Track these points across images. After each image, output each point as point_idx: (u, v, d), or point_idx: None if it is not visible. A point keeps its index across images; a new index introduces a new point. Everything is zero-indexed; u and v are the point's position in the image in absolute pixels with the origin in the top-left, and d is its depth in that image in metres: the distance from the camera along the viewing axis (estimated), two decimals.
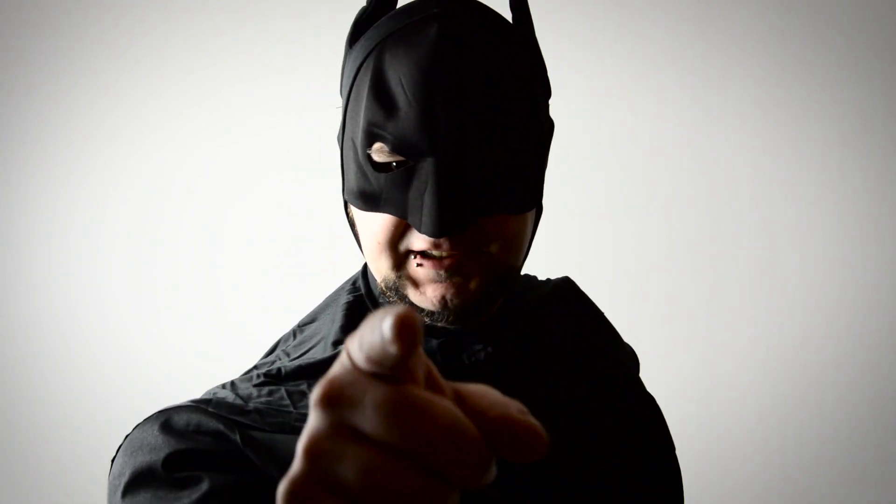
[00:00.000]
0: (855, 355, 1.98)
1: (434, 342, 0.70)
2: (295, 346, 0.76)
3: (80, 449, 1.92)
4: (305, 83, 1.87)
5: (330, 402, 0.32)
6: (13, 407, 1.96)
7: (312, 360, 0.71)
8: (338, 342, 0.71)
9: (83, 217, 1.95)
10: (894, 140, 1.96)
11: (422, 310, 0.68)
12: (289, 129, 1.90)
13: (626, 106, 1.94)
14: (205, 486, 0.60)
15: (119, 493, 0.62)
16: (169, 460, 0.62)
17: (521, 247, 0.70)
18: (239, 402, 0.67)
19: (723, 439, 1.98)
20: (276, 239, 1.94)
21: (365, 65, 0.67)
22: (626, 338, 0.88)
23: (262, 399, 0.68)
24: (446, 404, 0.32)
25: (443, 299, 0.67)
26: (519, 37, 0.70)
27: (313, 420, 0.32)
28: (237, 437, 0.63)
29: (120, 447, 0.66)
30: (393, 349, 0.30)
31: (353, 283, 0.78)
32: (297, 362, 0.71)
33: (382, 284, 0.69)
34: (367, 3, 0.70)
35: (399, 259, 0.67)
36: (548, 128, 0.73)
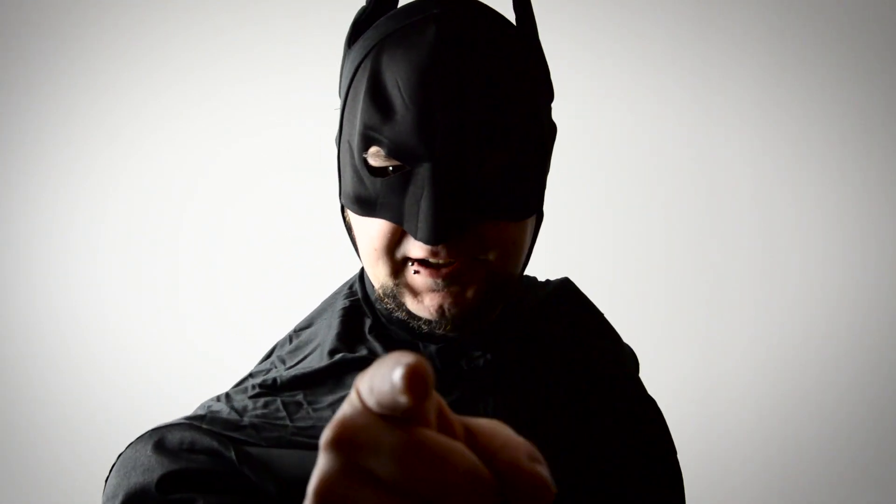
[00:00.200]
0: (855, 355, 1.98)
1: (433, 348, 0.70)
2: (290, 353, 0.75)
3: (80, 449, 1.92)
4: (305, 83, 1.87)
5: (342, 445, 0.31)
6: (13, 407, 1.96)
7: (309, 369, 0.69)
8: (334, 351, 0.70)
9: (83, 217, 1.95)
10: (894, 140, 1.96)
11: (419, 318, 0.67)
12: (289, 129, 1.90)
13: (626, 106, 1.94)
14: None
15: None
16: (162, 481, 0.61)
17: (520, 254, 0.68)
18: (234, 416, 0.66)
19: (723, 439, 1.98)
20: (276, 239, 1.93)
21: (362, 66, 0.65)
22: (626, 338, 0.88)
23: (258, 411, 0.67)
24: (461, 449, 0.31)
25: (440, 308, 0.66)
26: (521, 38, 0.68)
27: (323, 462, 0.32)
28: (232, 455, 0.62)
29: (113, 466, 0.65)
30: (403, 399, 0.29)
31: (350, 286, 0.77)
32: (292, 372, 0.70)
33: (380, 291, 0.68)
34: (366, 2, 0.69)
35: (397, 266, 0.66)
36: (549, 131, 0.72)
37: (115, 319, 1.95)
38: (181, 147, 1.94)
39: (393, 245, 0.65)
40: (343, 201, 0.69)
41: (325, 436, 0.32)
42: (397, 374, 0.29)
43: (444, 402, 0.34)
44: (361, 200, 0.65)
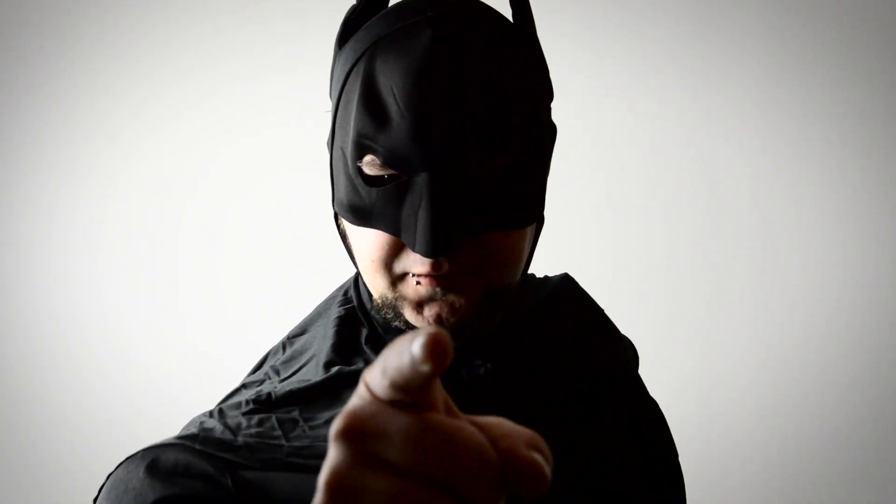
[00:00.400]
0: (855, 355, 1.98)
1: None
2: (284, 363, 0.72)
3: (80, 449, 1.92)
4: (305, 83, 1.87)
5: (352, 434, 0.32)
6: (13, 407, 1.96)
7: (305, 383, 0.67)
8: (330, 363, 0.68)
9: (83, 217, 1.95)
10: (894, 140, 1.96)
11: (417, 328, 0.66)
12: (289, 129, 1.90)
13: (626, 106, 1.94)
14: None
15: None
16: None
17: (520, 262, 0.67)
18: (228, 435, 0.64)
19: (723, 439, 1.98)
20: (276, 239, 1.93)
21: (355, 70, 0.63)
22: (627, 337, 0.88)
23: (252, 430, 0.64)
24: (470, 430, 0.32)
25: (438, 317, 0.64)
26: (519, 37, 0.66)
27: (333, 453, 0.32)
28: (228, 481, 0.60)
29: (103, 487, 0.63)
30: (425, 367, 0.30)
31: (345, 293, 0.75)
32: (287, 386, 0.68)
33: (379, 301, 0.66)
34: (357, 1, 0.66)
35: (396, 278, 0.64)
36: (549, 133, 0.70)
37: (115, 319, 1.95)
38: (181, 147, 1.94)
39: (391, 257, 0.63)
40: (337, 209, 0.67)
41: (335, 427, 0.32)
42: (417, 344, 0.30)
43: (449, 398, 0.34)
44: (356, 210, 0.63)
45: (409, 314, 0.65)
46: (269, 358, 0.76)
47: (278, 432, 0.65)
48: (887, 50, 1.93)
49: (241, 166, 1.94)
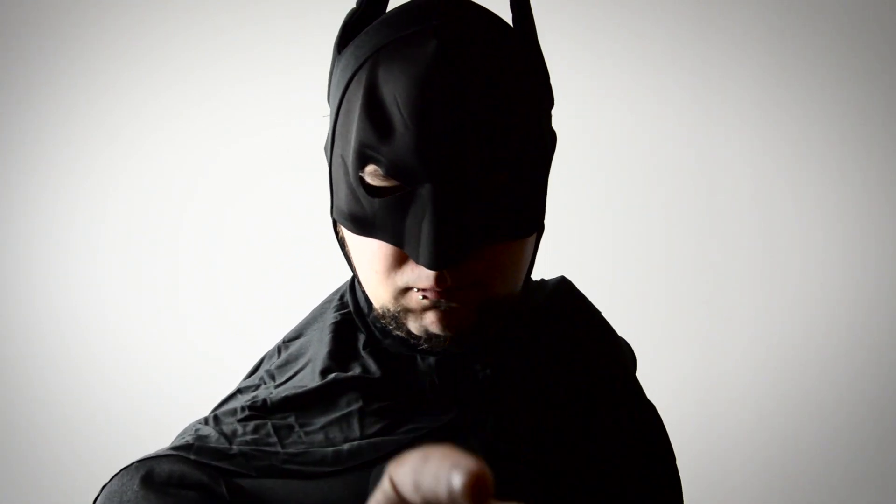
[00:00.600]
0: (855, 355, 1.98)
1: (431, 360, 0.68)
2: (279, 367, 0.72)
3: (80, 449, 1.92)
4: (305, 83, 1.87)
5: None
6: (13, 407, 1.96)
7: (300, 389, 0.67)
8: (326, 370, 0.68)
9: (83, 217, 1.95)
10: (894, 140, 1.96)
11: (418, 336, 0.65)
12: (289, 129, 1.90)
13: (626, 106, 1.94)
14: None
15: None
16: None
17: (520, 273, 0.67)
18: (223, 442, 0.63)
19: (723, 439, 1.98)
20: (276, 239, 1.93)
21: (356, 77, 0.62)
22: (626, 338, 0.88)
23: (248, 436, 0.64)
24: None
25: (441, 326, 0.63)
26: (522, 45, 0.66)
27: None
28: (223, 490, 0.60)
29: (97, 498, 0.62)
30: None
31: (341, 297, 0.74)
32: (283, 392, 0.68)
33: (379, 310, 0.66)
34: (357, 4, 0.65)
35: (399, 291, 0.63)
36: (550, 141, 0.69)
37: (115, 319, 1.95)
38: (181, 147, 1.94)
39: (394, 268, 0.63)
40: (336, 217, 0.66)
41: None
42: (458, 480, 0.28)
43: None
44: (358, 219, 0.62)
45: (413, 324, 0.64)
46: (265, 362, 0.75)
47: (274, 439, 0.64)
48: (887, 50, 1.93)
49: (241, 166, 1.94)
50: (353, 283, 0.73)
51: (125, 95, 1.93)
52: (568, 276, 0.86)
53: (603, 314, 0.84)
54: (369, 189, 0.61)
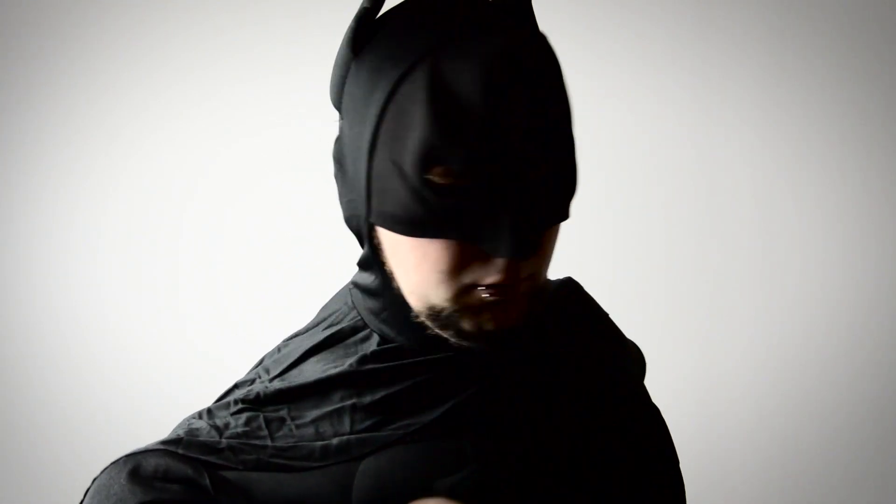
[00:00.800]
0: (855, 355, 1.98)
1: (438, 356, 0.67)
2: (275, 362, 0.72)
3: (80, 449, 1.92)
4: (305, 83, 1.87)
5: None
6: (13, 407, 1.96)
7: (294, 383, 0.67)
8: (324, 368, 0.68)
9: (83, 217, 1.95)
10: (894, 140, 1.96)
11: (470, 334, 0.64)
12: (289, 129, 1.90)
13: (626, 106, 1.94)
14: None
15: None
16: None
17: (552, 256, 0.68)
18: (213, 435, 0.64)
19: (723, 439, 1.98)
20: (276, 239, 1.93)
21: (409, 78, 0.60)
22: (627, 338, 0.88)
23: (239, 429, 0.65)
24: None
25: (496, 323, 0.63)
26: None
27: None
28: (207, 482, 0.61)
29: (88, 491, 0.64)
30: None
31: (345, 307, 0.73)
32: (277, 385, 0.68)
33: (427, 312, 0.64)
34: (367, 1, 0.64)
35: (463, 289, 0.62)
36: None
37: (115, 319, 1.95)
38: (181, 147, 1.94)
39: (461, 266, 0.62)
40: (381, 223, 0.64)
41: None
42: None
43: None
44: (419, 222, 0.61)
45: (467, 323, 0.63)
46: (266, 359, 0.75)
47: (264, 432, 0.65)
48: (887, 50, 1.93)
49: (241, 166, 1.94)
50: (357, 292, 0.72)
51: (125, 95, 1.93)
52: (572, 277, 0.86)
53: (609, 317, 0.85)
54: (438, 190, 0.60)
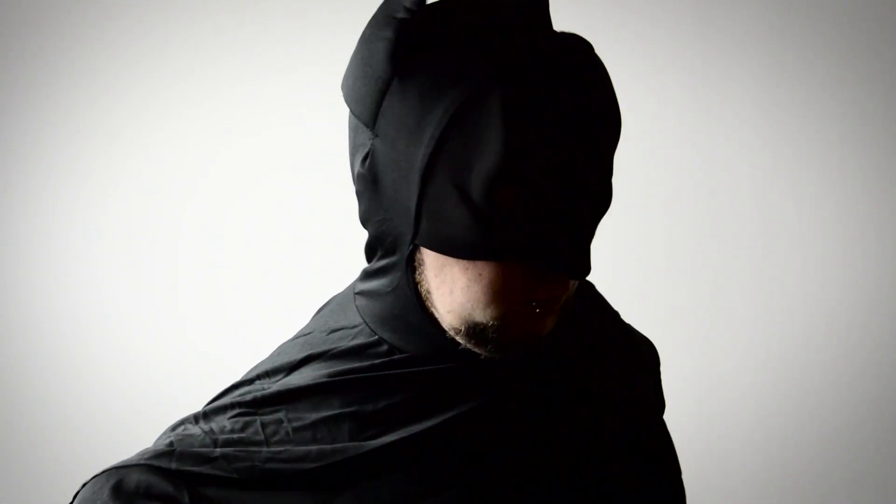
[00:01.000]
0: (855, 355, 1.98)
1: (444, 367, 0.67)
2: (275, 364, 0.72)
3: (80, 449, 1.92)
4: (305, 83, 1.87)
5: None
6: (13, 407, 1.96)
7: (293, 385, 0.67)
8: (327, 372, 0.68)
9: (83, 217, 1.95)
10: (894, 140, 1.96)
11: (508, 346, 0.63)
12: (289, 129, 1.90)
13: (626, 106, 1.93)
14: None
15: None
16: None
17: None
18: (207, 442, 0.64)
19: (723, 439, 1.98)
20: (276, 239, 1.93)
21: (479, 101, 0.58)
22: None
23: (235, 435, 0.65)
24: None
25: (535, 335, 0.63)
26: None
27: None
28: (186, 500, 0.62)
29: (73, 501, 0.64)
30: None
31: (353, 320, 0.71)
32: (276, 387, 0.68)
33: (465, 328, 0.63)
34: (404, 12, 0.60)
35: (514, 307, 0.62)
36: None
37: (115, 319, 1.95)
38: (181, 147, 1.94)
39: (514, 284, 0.61)
40: (431, 246, 0.62)
41: None
42: None
43: None
44: (480, 245, 0.60)
45: (509, 336, 0.63)
46: (265, 361, 0.74)
47: (260, 436, 0.65)
48: (887, 50, 1.93)
49: (241, 166, 1.94)
50: (360, 299, 0.71)
51: (125, 95, 1.93)
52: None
53: (620, 316, 0.85)
54: (504, 214, 0.60)
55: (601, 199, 0.65)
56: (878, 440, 1.97)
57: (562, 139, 0.59)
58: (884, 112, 1.95)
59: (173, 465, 0.63)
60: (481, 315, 0.62)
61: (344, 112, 0.67)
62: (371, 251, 0.68)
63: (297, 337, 0.74)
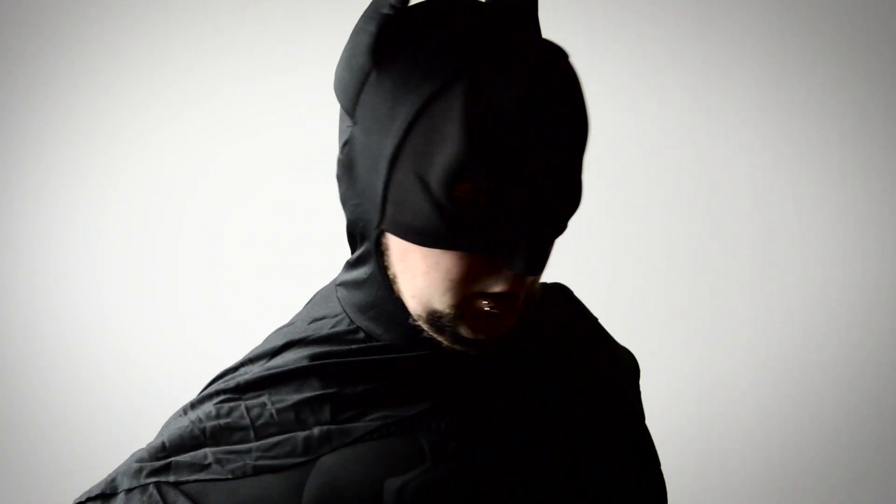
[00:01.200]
0: (855, 355, 1.98)
1: (424, 355, 0.69)
2: (258, 350, 0.74)
3: (80, 449, 1.92)
4: (305, 83, 1.87)
5: None
6: (13, 407, 1.96)
7: (276, 369, 0.69)
8: (310, 356, 0.70)
9: (83, 217, 1.95)
10: (894, 140, 1.96)
11: (464, 339, 0.65)
12: (289, 129, 1.90)
13: (627, 106, 1.94)
14: None
15: None
16: None
17: None
18: (196, 435, 0.67)
19: (723, 439, 1.98)
20: (276, 239, 1.94)
21: (444, 96, 0.59)
22: (626, 339, 0.88)
23: (222, 420, 0.67)
24: None
25: (491, 330, 0.65)
26: None
27: None
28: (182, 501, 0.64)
29: None
30: None
31: (333, 309, 0.74)
32: (261, 372, 0.69)
33: (426, 316, 0.66)
34: (388, 8, 0.62)
35: (468, 298, 0.64)
36: None
37: (115, 319, 1.95)
38: (181, 147, 1.94)
39: (471, 276, 0.63)
40: (395, 232, 0.64)
41: None
42: None
43: None
44: (439, 234, 0.62)
45: (465, 330, 0.65)
46: (251, 351, 0.77)
47: (246, 420, 0.67)
48: (887, 50, 1.93)
49: (241, 166, 1.94)
50: (340, 289, 0.73)
51: (125, 95, 1.93)
52: (567, 278, 0.86)
53: (600, 321, 0.85)
54: (462, 206, 0.61)
55: (567, 200, 0.65)
56: (878, 440, 1.97)
57: (523, 140, 0.59)
58: (884, 112, 1.95)
59: (171, 479, 0.65)
60: (438, 302, 0.64)
61: None
62: (351, 239, 0.71)
63: (281, 328, 0.76)
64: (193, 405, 0.70)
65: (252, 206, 1.94)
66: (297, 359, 0.70)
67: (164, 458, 0.66)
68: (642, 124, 1.94)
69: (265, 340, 0.76)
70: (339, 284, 0.73)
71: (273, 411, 0.67)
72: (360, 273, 0.70)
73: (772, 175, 1.98)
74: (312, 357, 0.69)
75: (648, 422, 0.82)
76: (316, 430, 0.66)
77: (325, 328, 0.72)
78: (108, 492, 0.68)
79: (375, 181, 0.64)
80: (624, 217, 1.96)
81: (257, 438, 0.66)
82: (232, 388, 0.69)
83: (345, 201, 0.69)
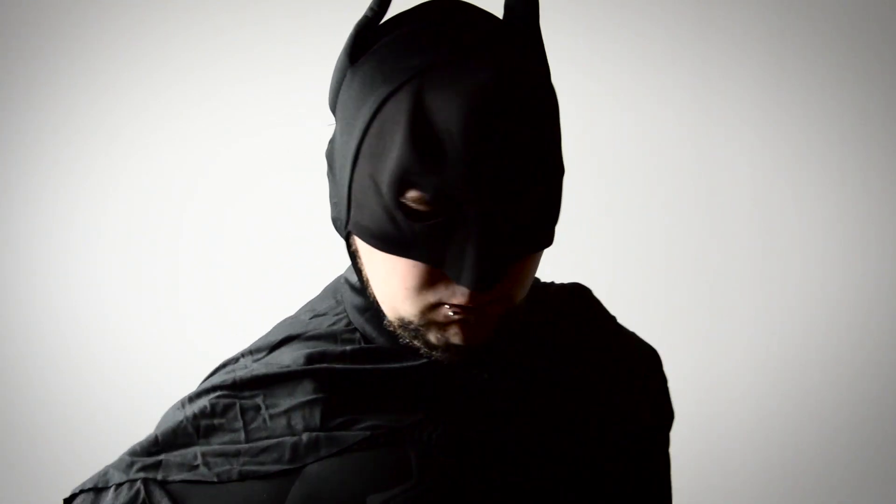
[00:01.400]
0: (855, 355, 1.98)
1: (418, 363, 0.68)
2: (258, 343, 0.74)
3: (80, 449, 1.92)
4: (305, 83, 1.87)
5: None
6: (13, 407, 1.96)
7: (272, 369, 0.69)
8: (305, 357, 0.70)
9: (83, 217, 1.95)
10: (894, 140, 1.96)
11: (437, 347, 0.65)
12: (289, 129, 1.90)
13: (626, 106, 1.94)
14: None
15: None
16: None
17: (532, 279, 0.67)
18: (189, 433, 0.67)
19: (723, 439, 1.98)
20: (276, 239, 1.93)
21: (395, 98, 0.59)
22: None
23: (216, 420, 0.67)
24: None
25: (463, 338, 0.64)
26: (544, 64, 0.66)
27: None
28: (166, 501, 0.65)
29: None
30: None
31: (334, 302, 0.74)
32: (256, 370, 0.69)
33: (397, 322, 0.65)
34: (369, 10, 0.62)
35: (429, 306, 0.63)
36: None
37: (115, 319, 1.95)
38: (181, 147, 1.94)
39: (427, 285, 0.62)
40: (357, 233, 0.64)
41: None
42: None
43: None
44: (390, 239, 0.61)
45: (434, 336, 0.64)
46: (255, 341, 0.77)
47: (239, 423, 0.67)
48: (887, 50, 1.93)
49: (241, 166, 1.94)
50: (345, 286, 0.73)
51: (125, 95, 1.93)
52: (568, 278, 0.86)
53: (617, 321, 0.84)
54: (409, 213, 0.60)
55: (537, 210, 0.63)
56: (878, 440, 1.97)
57: (469, 154, 0.57)
58: (884, 112, 1.95)
59: (159, 476, 0.66)
60: (403, 309, 0.64)
61: None
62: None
63: (286, 319, 0.77)
64: (191, 398, 0.70)
65: (252, 206, 1.94)
66: (293, 357, 0.69)
67: (156, 453, 0.67)
68: (642, 124, 1.94)
69: (270, 331, 0.76)
70: (345, 281, 0.74)
71: (266, 416, 0.67)
72: (355, 275, 0.70)
73: (772, 175, 1.98)
74: (308, 356, 0.69)
75: None
76: (304, 437, 0.65)
77: (323, 325, 0.72)
78: (100, 485, 0.69)
79: (344, 180, 0.64)
80: (624, 217, 1.96)
81: (248, 441, 0.66)
82: (229, 384, 0.69)
83: (329, 199, 0.70)
